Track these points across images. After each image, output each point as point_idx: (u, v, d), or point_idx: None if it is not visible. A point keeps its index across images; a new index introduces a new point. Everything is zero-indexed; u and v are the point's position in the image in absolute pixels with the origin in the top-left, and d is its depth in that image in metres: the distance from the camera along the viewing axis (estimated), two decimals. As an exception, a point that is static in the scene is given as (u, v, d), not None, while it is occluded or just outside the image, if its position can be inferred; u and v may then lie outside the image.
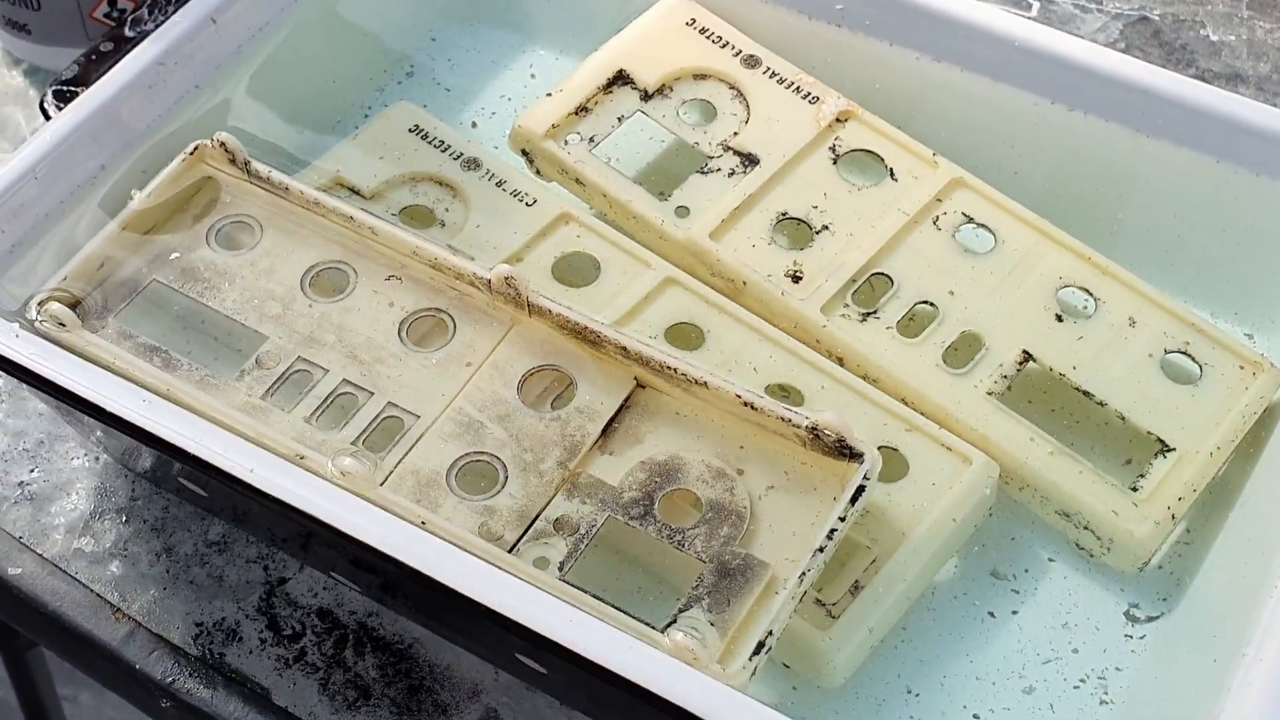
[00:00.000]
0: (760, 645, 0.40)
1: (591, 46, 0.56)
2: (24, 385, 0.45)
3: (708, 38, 0.54)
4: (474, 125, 0.56)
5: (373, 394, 0.46)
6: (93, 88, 0.49)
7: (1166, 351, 0.48)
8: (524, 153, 0.52)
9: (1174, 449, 0.46)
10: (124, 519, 0.50)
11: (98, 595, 0.48)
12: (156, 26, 0.52)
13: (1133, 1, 0.67)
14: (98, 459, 0.51)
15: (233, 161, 0.49)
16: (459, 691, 0.46)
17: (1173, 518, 0.45)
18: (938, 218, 0.50)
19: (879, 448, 0.46)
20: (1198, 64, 0.64)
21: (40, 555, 0.49)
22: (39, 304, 0.46)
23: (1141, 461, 0.46)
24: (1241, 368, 0.48)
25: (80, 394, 0.42)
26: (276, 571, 0.48)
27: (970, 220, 0.50)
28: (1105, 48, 0.51)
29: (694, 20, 0.54)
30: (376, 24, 0.57)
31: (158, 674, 0.47)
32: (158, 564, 0.49)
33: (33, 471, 0.51)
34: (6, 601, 0.49)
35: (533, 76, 0.58)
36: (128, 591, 0.48)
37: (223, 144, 0.49)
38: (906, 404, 0.47)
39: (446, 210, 0.52)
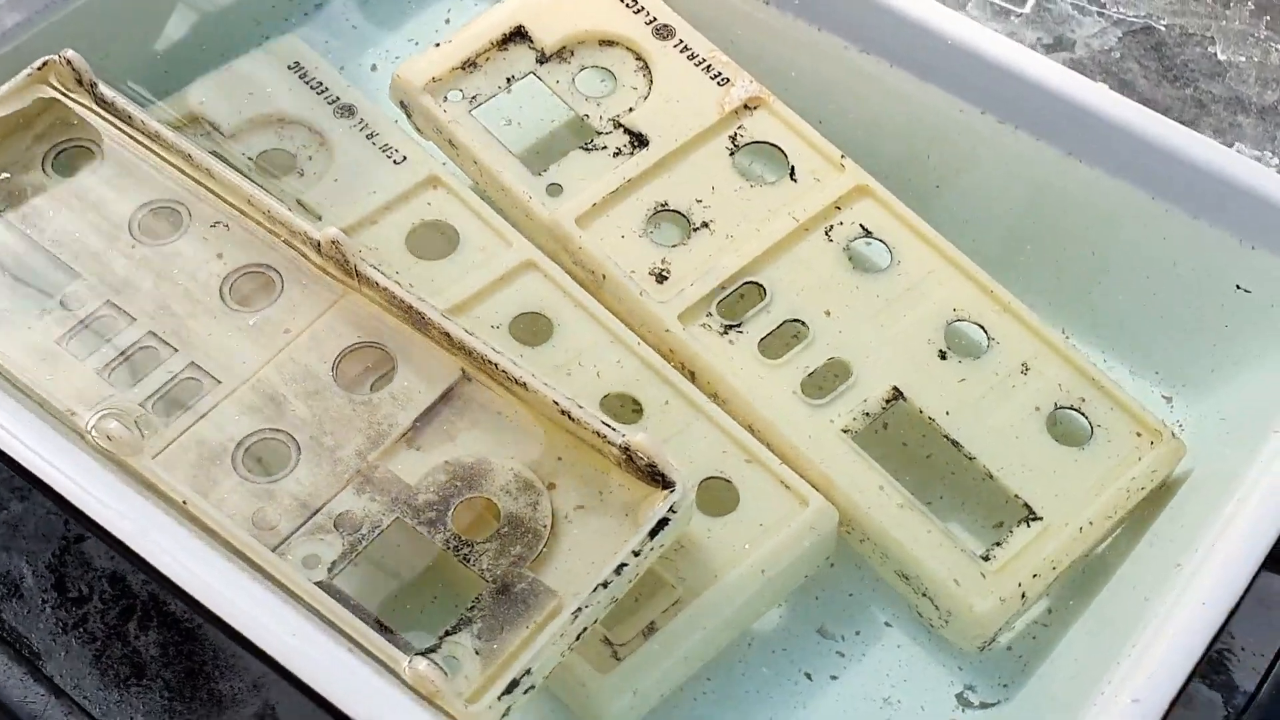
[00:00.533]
0: (514, 683, 0.36)
1: (514, -3, 0.51)
2: None
3: (621, 0, 0.49)
4: (374, 68, 0.52)
5: (177, 350, 0.42)
6: (-60, -12, 0.46)
7: (1057, 406, 0.43)
8: (402, 105, 0.48)
9: (1041, 518, 0.41)
10: (-70, 449, 0.47)
11: (-117, 527, 0.45)
12: (33, -73, 0.48)
13: (1139, 8, 0.61)
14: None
15: (79, 82, 0.46)
16: (239, 682, 0.43)
17: (1023, 596, 0.40)
18: (832, 227, 0.45)
19: (711, 478, 0.42)
20: (1197, 84, 0.59)
21: None
22: None
23: (1004, 528, 0.42)
24: (1139, 434, 0.43)
25: None
26: (76, 528, 0.45)
27: (867, 234, 0.45)
28: (1047, 58, 0.46)
29: (610, -19, 0.50)
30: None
31: (-74, 620, 0.44)
32: (-45, 502, 0.46)
33: None
34: None
35: (447, 22, 0.54)
36: (-84, 527, 0.45)
37: (69, 61, 0.45)
38: (753, 431, 0.42)
39: (310, 159, 0.48)
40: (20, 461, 0.37)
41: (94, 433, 0.40)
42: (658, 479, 0.39)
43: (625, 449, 0.39)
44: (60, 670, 0.43)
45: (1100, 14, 0.60)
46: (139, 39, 0.50)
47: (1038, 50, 0.58)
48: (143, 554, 0.36)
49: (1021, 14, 0.59)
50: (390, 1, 0.54)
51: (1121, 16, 0.60)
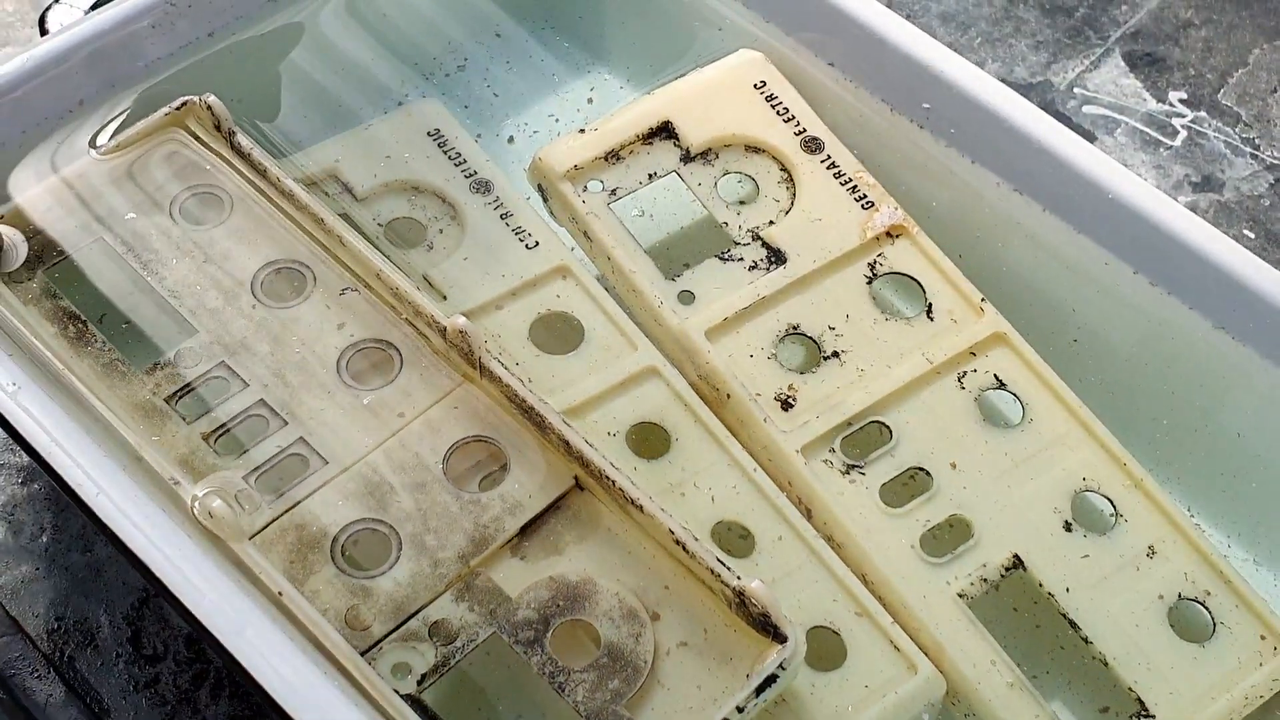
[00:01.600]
0: (600, 836, 0.35)
1: (660, 83, 0.50)
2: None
3: (773, 106, 0.48)
4: (511, 140, 0.51)
5: (286, 423, 0.41)
6: (90, 16, 0.45)
7: (1181, 597, 0.41)
8: (539, 188, 0.47)
9: (1153, 716, 0.40)
10: (21, 479, 0.46)
11: (-34, 558, 0.45)
12: (186, -41, 0.47)
13: (1297, 152, 0.59)
14: (13, 408, 0.47)
15: (217, 128, 0.45)
16: (305, 766, 0.42)
17: (1127, 795, 0.39)
18: (965, 374, 0.44)
19: (818, 627, 0.40)
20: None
21: (-77, 497, 0.46)
22: (-41, 241, 0.42)
23: (1111, 714, 0.40)
24: (1263, 638, 0.41)
25: (-52, 361, 0.38)
26: (157, 580, 0.44)
27: (1001, 385, 0.44)
28: (1212, 226, 0.44)
29: (763, 83, 0.48)
30: (439, 5, 0.52)
31: (0, 661, 0.43)
32: (39, 539, 0.45)
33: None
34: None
35: (590, 101, 0.52)
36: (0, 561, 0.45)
37: (209, 106, 0.44)
38: (866, 582, 0.41)
39: (440, 232, 0.47)
40: (121, 536, 0.36)
41: (197, 509, 0.39)
42: (768, 629, 0.38)
43: (739, 593, 0.38)
44: (127, 731, 0.42)
45: (1254, 156, 0.58)
46: (277, 86, 0.49)
47: (1184, 188, 0.56)
48: (233, 651, 0.35)
49: (1172, 147, 0.58)
50: (532, 72, 0.53)
51: (1275, 161, 0.58)
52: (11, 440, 0.38)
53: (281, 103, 0.49)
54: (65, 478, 0.36)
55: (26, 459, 0.46)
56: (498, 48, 0.53)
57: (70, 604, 0.44)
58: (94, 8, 0.48)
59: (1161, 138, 0.58)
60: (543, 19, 0.53)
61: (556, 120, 0.52)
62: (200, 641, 0.43)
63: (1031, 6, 0.61)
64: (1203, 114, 0.59)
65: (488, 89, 0.52)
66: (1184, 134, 0.59)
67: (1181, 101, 0.59)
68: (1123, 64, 0.60)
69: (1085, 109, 0.58)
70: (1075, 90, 0.59)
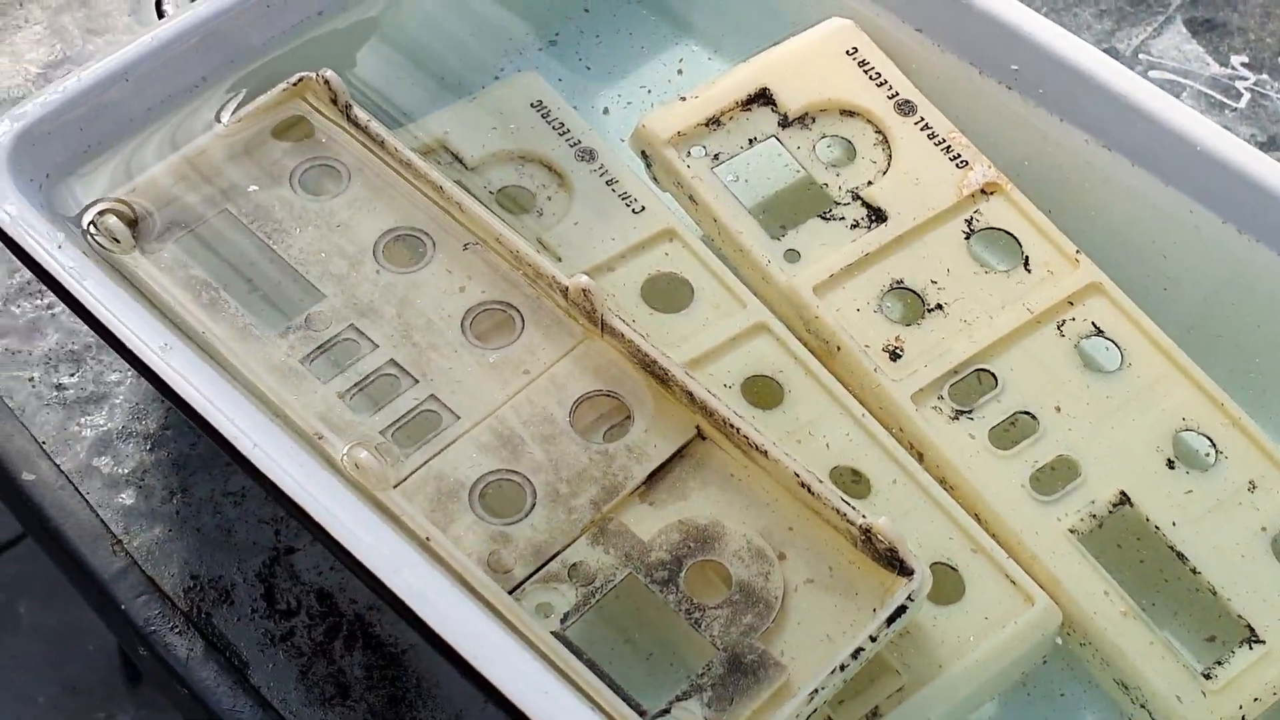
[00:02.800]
0: (749, 758, 0.37)
1: (747, 54, 0.52)
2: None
3: (865, 71, 0.49)
4: (605, 111, 0.53)
5: (417, 381, 0.43)
6: (208, -3, 0.47)
7: (1283, 527, 0.43)
8: (643, 155, 0.48)
9: (1263, 641, 0.41)
10: (148, 446, 0.48)
11: (102, 522, 0.46)
12: (295, -58, 0.49)
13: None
14: (139, 377, 0.49)
15: (334, 101, 0.46)
16: (441, 713, 0.44)
17: (1242, 718, 0.40)
18: (1064, 323, 0.45)
19: (937, 563, 0.42)
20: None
21: (57, 466, 0.47)
22: (97, 214, 0.44)
23: (1224, 646, 0.42)
24: (1363, 563, 0.43)
25: (104, 323, 0.40)
26: (287, 539, 0.46)
27: (1099, 333, 0.45)
28: (1295, 173, 0.46)
29: (855, 50, 0.50)
30: (530, -19, 0.54)
31: (140, 619, 0.44)
32: (170, 502, 0.46)
33: (73, 376, 0.49)
34: (16, 504, 0.47)
35: (680, 72, 0.54)
36: (132, 525, 0.46)
37: (326, 81, 0.46)
38: (980, 521, 0.43)
39: (549, 199, 0.48)
40: (279, 485, 0.37)
41: (345, 461, 0.40)
42: (894, 564, 0.39)
43: (865, 530, 0.40)
44: (267, 682, 0.44)
45: (1318, 113, 0.60)
46: (382, 61, 0.50)
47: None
48: (396, 591, 0.36)
49: (1236, 109, 0.59)
50: (622, 45, 0.54)
51: (1344, 116, 0.60)
52: (166, 399, 0.39)
53: (387, 77, 0.50)
54: (221, 432, 0.38)
55: (153, 427, 0.48)
56: (587, 23, 0.55)
57: (204, 563, 0.45)
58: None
59: (1226, 100, 0.60)
60: (631, -5, 0.55)
61: (649, 91, 0.53)
62: (331, 595, 0.45)
63: (1093, -24, 0.63)
64: (1264, 76, 0.60)
65: (580, 62, 0.54)
66: (1247, 96, 0.60)
67: (1244, 65, 0.61)
68: (1184, 30, 0.62)
69: (1151, 74, 0.60)
70: (1140, 56, 0.61)
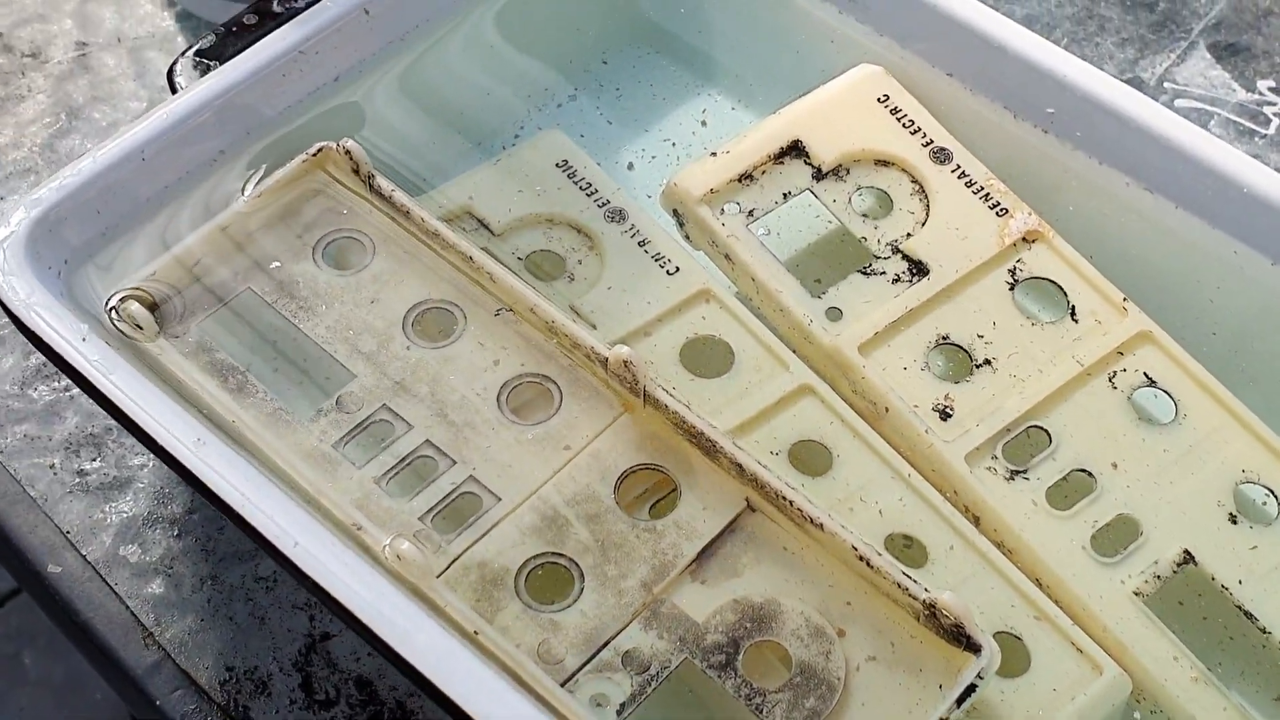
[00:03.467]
0: None
1: (771, 103, 0.50)
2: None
3: (898, 119, 0.48)
4: (630, 167, 0.51)
5: (455, 463, 0.42)
6: (222, 68, 0.45)
7: (1351, 581, 0.42)
8: (675, 214, 0.47)
9: (1339, 700, 0.40)
10: (176, 532, 0.46)
11: (132, 614, 0.45)
12: (308, 6, 0.48)
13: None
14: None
15: (356, 172, 0.45)
16: (491, 801, 0.42)
17: (1320, 781, 0.39)
18: (1115, 374, 0.44)
19: (1000, 633, 0.41)
20: None
21: (84, 557, 0.45)
22: (119, 301, 0.42)
23: (1295, 705, 0.41)
24: None
25: (134, 419, 0.38)
26: (322, 624, 0.44)
27: (1151, 383, 0.44)
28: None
29: (887, 97, 0.49)
30: (546, 36, 0.52)
31: (177, 715, 0.43)
32: (201, 590, 0.45)
33: (95, 461, 0.47)
34: (42, 598, 0.46)
35: (703, 124, 0.53)
36: (164, 615, 0.45)
37: (348, 151, 0.45)
38: (1041, 586, 0.41)
39: (579, 263, 0.47)
40: (322, 585, 0.36)
41: (388, 553, 0.39)
42: (960, 640, 0.38)
43: (929, 605, 0.38)
44: (310, 777, 0.42)
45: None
46: (400, 126, 0.49)
47: None
48: (449, 692, 0.35)
49: (1266, 135, 0.58)
50: (643, 98, 0.53)
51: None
52: (201, 496, 0.38)
53: (405, 141, 0.49)
54: (261, 530, 0.37)
55: (179, 511, 0.46)
56: (607, 75, 0.53)
57: (238, 654, 0.44)
58: (199, 54, 0.48)
59: (1255, 127, 0.59)
60: (649, 44, 0.54)
61: (673, 145, 0.52)
62: (371, 683, 0.44)
63: (1112, 3, 0.62)
64: (1293, 101, 0.59)
65: (600, 116, 0.53)
66: (1277, 122, 0.59)
67: (1270, 90, 0.60)
68: (1209, 56, 0.61)
69: (1177, 103, 0.59)
70: (1165, 85, 0.60)
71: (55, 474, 0.47)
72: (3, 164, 0.53)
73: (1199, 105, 0.59)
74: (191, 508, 0.46)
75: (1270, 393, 0.45)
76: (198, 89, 0.45)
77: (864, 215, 0.47)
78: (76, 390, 0.48)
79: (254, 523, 0.37)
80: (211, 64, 0.46)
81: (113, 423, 0.48)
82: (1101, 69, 0.48)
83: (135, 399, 0.38)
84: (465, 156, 0.50)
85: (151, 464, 0.47)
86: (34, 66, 0.55)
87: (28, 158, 0.53)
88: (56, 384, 0.49)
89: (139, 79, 0.56)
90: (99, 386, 0.39)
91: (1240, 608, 0.41)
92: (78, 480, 0.47)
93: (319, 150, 0.45)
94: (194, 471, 0.37)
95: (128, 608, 0.44)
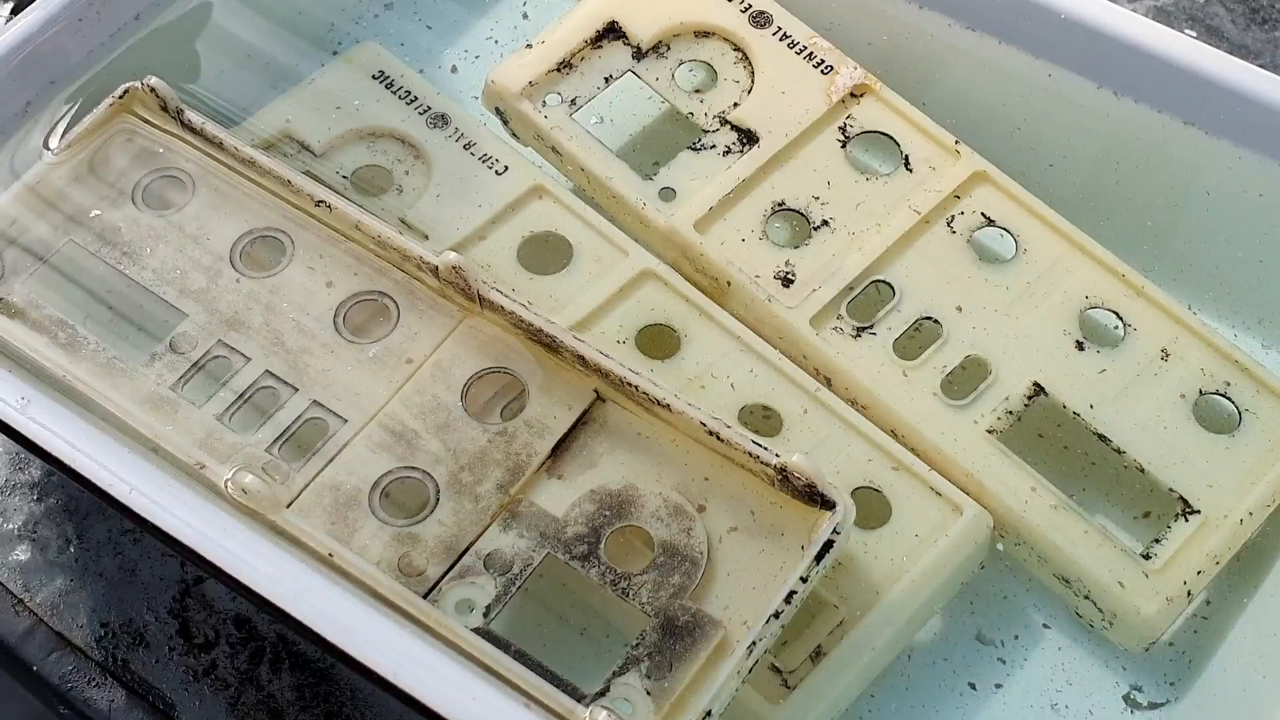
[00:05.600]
0: (699, 723, 0.36)
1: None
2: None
3: (717, -11, 0.47)
4: (454, 70, 0.51)
5: (297, 390, 0.41)
6: (19, 18, 0.44)
7: (1202, 392, 0.42)
8: (498, 112, 0.46)
9: (1198, 511, 0.40)
10: (35, 496, 0.45)
11: (0, 584, 0.44)
12: (100, -52, 0.46)
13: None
14: (12, 427, 0.46)
15: (164, 109, 0.44)
16: (381, 720, 0.42)
17: (1188, 594, 0.39)
18: (953, 218, 0.44)
19: (860, 488, 0.41)
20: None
21: (-58, 532, 0.45)
22: (-68, 269, 0.41)
23: (1159, 521, 0.41)
24: (1287, 416, 0.42)
25: (-45, 388, 0.37)
26: (194, 569, 0.44)
27: (990, 222, 0.44)
28: (1163, 26, 0.45)
29: (700, -34, 0.48)
30: (353, -54, 0.51)
31: (55, 677, 0.42)
32: (67, 551, 0.44)
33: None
34: (-94, 578, 0.45)
35: (525, 17, 0.52)
36: (32, 581, 0.44)
37: (153, 88, 0.44)
38: (896, 437, 0.41)
39: (406, 173, 0.46)
40: (164, 528, 0.36)
41: (230, 487, 0.38)
42: (815, 499, 0.38)
43: (781, 470, 0.38)
44: (196, 720, 0.42)
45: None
46: (210, 56, 0.48)
47: (1120, 1, 0.57)
48: (303, 619, 0.35)
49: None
50: (461, -4, 0.52)
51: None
52: (33, 455, 0.37)
53: (219, 72, 0.48)
54: (95, 481, 0.36)
55: (37, 475, 0.46)
56: (421, -20, 0.52)
57: (112, 608, 0.44)
58: (15, 12, 0.47)
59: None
60: (461, -57, 0.53)
61: (496, 42, 0.51)
62: (249, 620, 0.43)
63: None
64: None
65: (419, 22, 0.52)
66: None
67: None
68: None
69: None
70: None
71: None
72: None
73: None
74: (49, 470, 0.46)
75: (1111, 218, 0.46)
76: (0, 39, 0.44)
77: (689, 91, 0.46)
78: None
79: (86, 473, 0.36)
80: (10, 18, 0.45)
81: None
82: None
83: (-48, 366, 0.38)
84: (282, 81, 0.49)
85: (2, 432, 0.46)
86: None
87: None
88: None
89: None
90: (-85, 358, 0.38)
91: (1094, 431, 0.41)
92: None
93: (125, 92, 0.44)
94: (21, 430, 0.37)
95: (-6, 578, 0.44)
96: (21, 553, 0.45)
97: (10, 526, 0.45)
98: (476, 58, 0.51)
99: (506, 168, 0.46)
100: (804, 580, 0.37)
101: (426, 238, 0.44)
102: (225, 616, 0.43)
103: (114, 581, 0.44)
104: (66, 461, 0.36)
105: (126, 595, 0.44)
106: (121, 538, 0.45)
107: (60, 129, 0.44)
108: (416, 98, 0.47)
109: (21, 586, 0.44)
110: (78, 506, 0.45)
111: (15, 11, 0.46)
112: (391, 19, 0.51)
